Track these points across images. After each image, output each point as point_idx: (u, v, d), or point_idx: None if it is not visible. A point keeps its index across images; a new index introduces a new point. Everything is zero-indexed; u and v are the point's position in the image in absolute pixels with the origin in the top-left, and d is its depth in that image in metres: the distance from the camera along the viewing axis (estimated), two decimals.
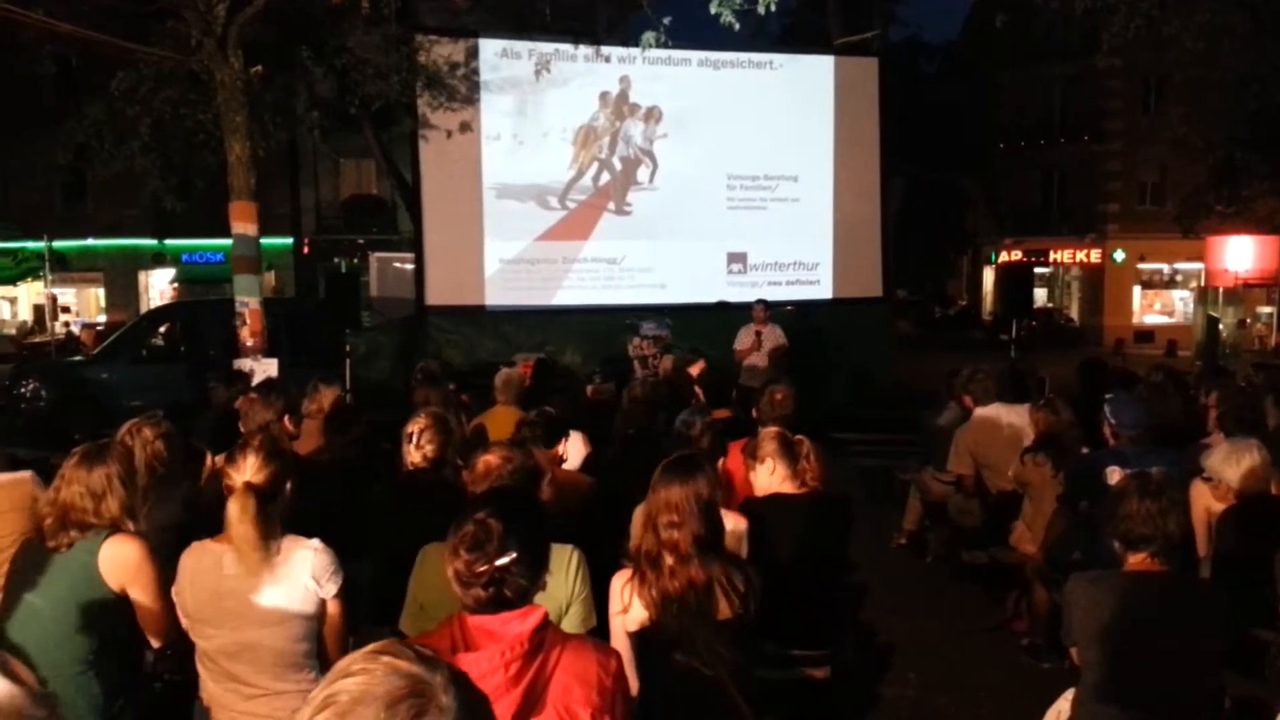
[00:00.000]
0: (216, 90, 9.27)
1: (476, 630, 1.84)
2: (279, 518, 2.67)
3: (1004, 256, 34.05)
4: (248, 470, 2.64)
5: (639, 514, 3.80)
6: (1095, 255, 33.65)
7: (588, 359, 12.05)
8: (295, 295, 27.82)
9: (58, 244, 24.95)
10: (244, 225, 9.39)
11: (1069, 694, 2.99)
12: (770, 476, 3.74)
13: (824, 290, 14.39)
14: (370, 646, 1.09)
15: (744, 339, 10.54)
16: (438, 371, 6.37)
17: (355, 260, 29.11)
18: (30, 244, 26.99)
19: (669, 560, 2.68)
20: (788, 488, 3.72)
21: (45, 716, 1.82)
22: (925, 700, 4.85)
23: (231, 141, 9.23)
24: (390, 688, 1.03)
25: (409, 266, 15.91)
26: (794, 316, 12.10)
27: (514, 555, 1.85)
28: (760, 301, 10.72)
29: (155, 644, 2.74)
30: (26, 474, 3.55)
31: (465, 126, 12.67)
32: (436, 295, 12.98)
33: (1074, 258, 34.39)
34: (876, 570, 6.38)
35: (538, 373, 8.25)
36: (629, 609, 2.68)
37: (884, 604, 5.85)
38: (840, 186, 14.42)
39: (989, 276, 37.71)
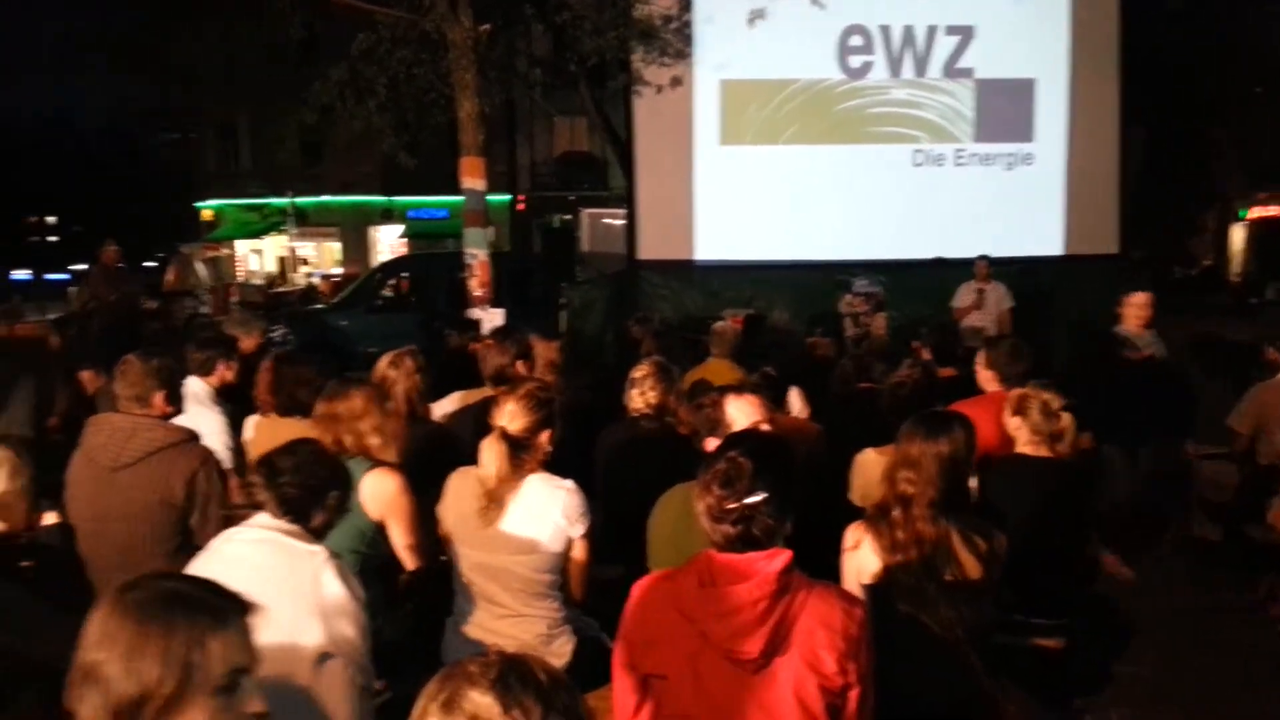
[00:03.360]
0: (447, 49, 9.64)
1: (724, 567, 1.86)
2: (535, 461, 2.79)
3: (1257, 212, 30.96)
4: (505, 416, 2.77)
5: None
6: None
7: (796, 315, 11.87)
8: (511, 250, 28.93)
9: (299, 200, 26.95)
10: (473, 180, 9.75)
11: None
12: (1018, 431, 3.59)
13: (1054, 246, 13.53)
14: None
15: (964, 296, 10.07)
16: (658, 323, 6.48)
17: (567, 216, 29.90)
18: (275, 200, 29.36)
19: (903, 514, 2.62)
20: (1040, 450, 3.57)
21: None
22: (1165, 681, 4.54)
23: (462, 99, 9.58)
24: None
25: (618, 222, 16.19)
26: (1020, 274, 11.43)
27: (764, 495, 1.85)
28: (983, 257, 10.19)
29: (409, 568, 2.93)
30: None
31: (677, 81, 12.62)
32: (647, 250, 13.09)
33: None
34: (1113, 543, 6.02)
35: (748, 329, 8.22)
36: (859, 547, 2.66)
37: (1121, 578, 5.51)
38: (1075, 134, 13.44)
39: (1238, 234, 34.46)
